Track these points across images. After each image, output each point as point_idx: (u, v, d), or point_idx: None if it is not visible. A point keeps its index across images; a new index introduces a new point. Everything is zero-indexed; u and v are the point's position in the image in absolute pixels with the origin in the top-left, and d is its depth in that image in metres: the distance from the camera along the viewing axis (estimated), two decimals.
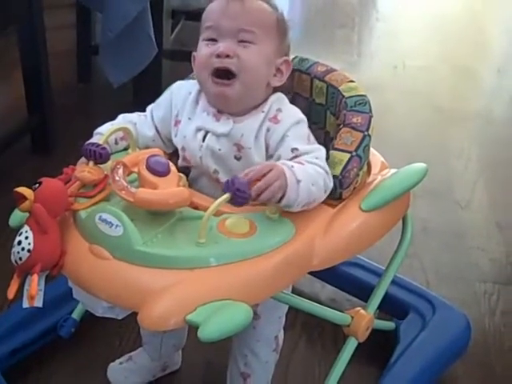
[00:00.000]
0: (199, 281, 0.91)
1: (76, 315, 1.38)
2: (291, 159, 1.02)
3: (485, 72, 3.12)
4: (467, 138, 2.45)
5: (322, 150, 1.05)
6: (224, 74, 1.03)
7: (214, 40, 1.04)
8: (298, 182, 0.95)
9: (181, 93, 1.11)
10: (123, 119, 1.14)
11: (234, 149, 1.05)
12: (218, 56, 1.02)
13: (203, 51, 1.05)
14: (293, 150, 1.03)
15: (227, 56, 1.02)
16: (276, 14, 1.08)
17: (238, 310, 0.89)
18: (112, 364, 1.36)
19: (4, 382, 1.23)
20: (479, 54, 3.30)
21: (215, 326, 0.87)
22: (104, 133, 1.07)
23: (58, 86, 2.32)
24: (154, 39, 1.90)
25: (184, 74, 1.22)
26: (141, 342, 1.43)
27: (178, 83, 1.15)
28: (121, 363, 1.36)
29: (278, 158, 1.03)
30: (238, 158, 1.05)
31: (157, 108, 1.14)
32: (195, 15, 1.40)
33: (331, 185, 1.03)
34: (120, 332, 1.50)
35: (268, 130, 1.05)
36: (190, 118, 1.09)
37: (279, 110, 1.06)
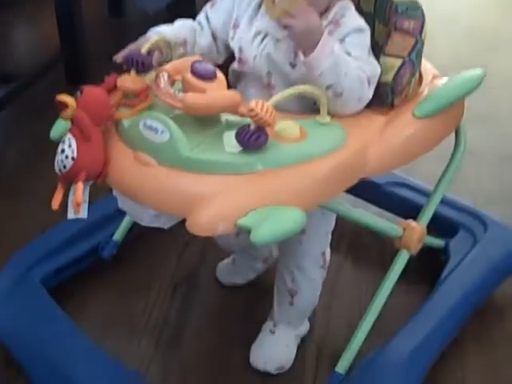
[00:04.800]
0: (249, 186, 0.89)
1: (117, 237, 1.38)
2: None
3: None
4: None
5: (377, 68, 1.02)
6: None
7: None
8: (332, 52, 0.95)
9: None
10: (183, 25, 1.10)
11: (291, 56, 1.02)
12: None
13: None
14: (347, 53, 1.00)
15: None
16: None
17: (291, 214, 0.87)
18: (220, 263, 1.41)
19: (52, 300, 1.23)
20: None
21: (267, 229, 0.84)
22: (162, 32, 1.04)
23: (89, 19, 2.28)
24: None
25: None
26: (182, 268, 1.44)
27: None
28: (227, 263, 1.41)
29: None
30: (293, 66, 1.02)
31: (215, 11, 1.11)
32: None
33: (367, 96, 1.00)
34: (161, 257, 1.48)
35: (329, 32, 1.00)
36: (251, 22, 1.06)
37: (342, 15, 1.03)
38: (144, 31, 1.08)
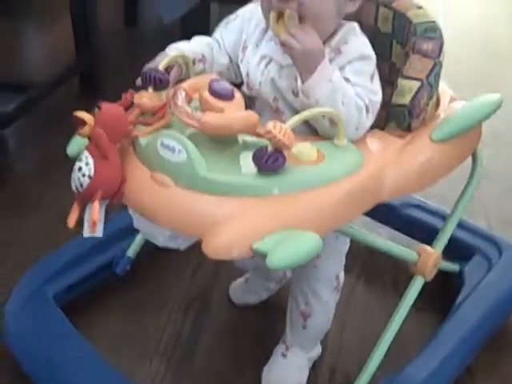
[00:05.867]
0: (265, 209, 0.88)
1: (131, 253, 1.37)
2: None
3: None
4: None
5: (378, 96, 1.00)
6: None
7: None
8: (330, 80, 0.93)
9: (252, 19, 1.07)
10: (201, 41, 1.08)
11: (294, 83, 1.00)
12: None
13: None
14: (346, 80, 0.97)
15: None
16: None
17: (307, 239, 0.85)
18: (233, 282, 1.42)
19: (64, 316, 1.22)
20: None
21: (284, 254, 0.83)
22: (180, 48, 1.04)
23: (105, 30, 2.29)
24: None
25: None
26: (195, 287, 1.44)
27: (250, 8, 1.09)
28: (240, 283, 1.41)
29: None
30: (295, 94, 1.00)
31: (227, 33, 1.09)
32: None
33: (365, 125, 0.98)
34: (175, 275, 1.48)
35: (329, 60, 0.98)
36: (257, 45, 1.05)
37: (345, 42, 1.01)
38: (159, 42, 1.07)
